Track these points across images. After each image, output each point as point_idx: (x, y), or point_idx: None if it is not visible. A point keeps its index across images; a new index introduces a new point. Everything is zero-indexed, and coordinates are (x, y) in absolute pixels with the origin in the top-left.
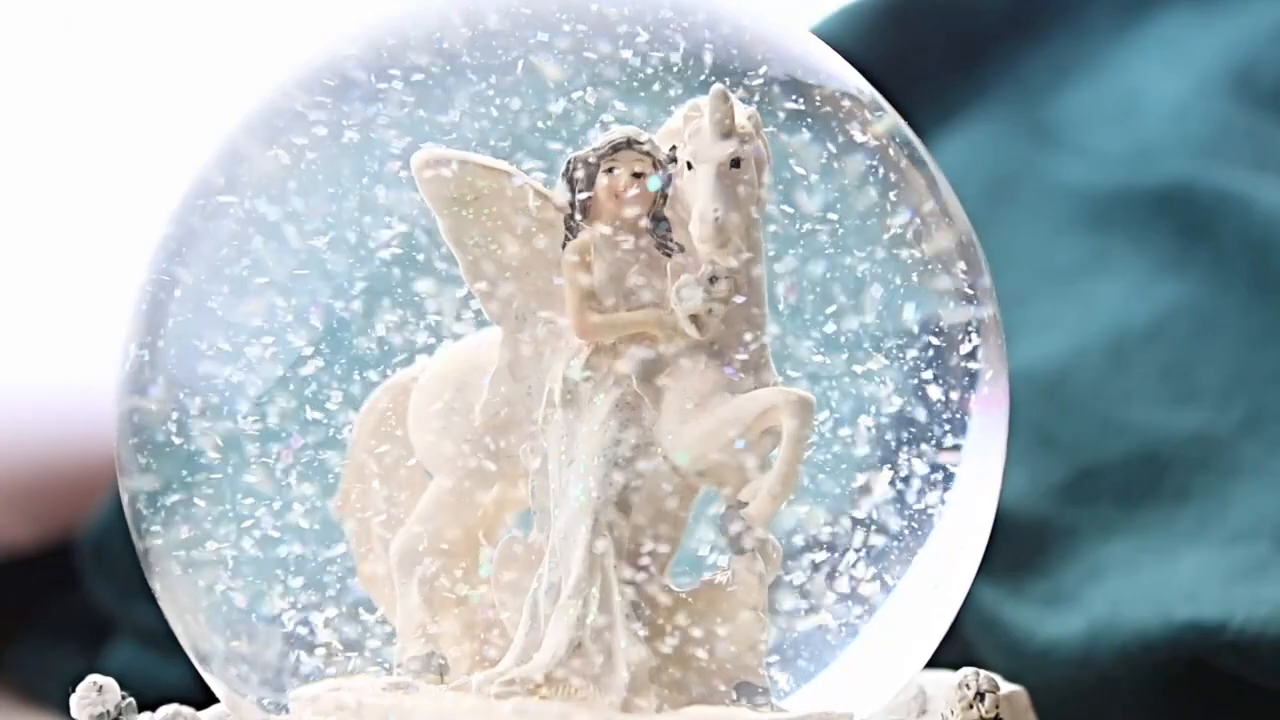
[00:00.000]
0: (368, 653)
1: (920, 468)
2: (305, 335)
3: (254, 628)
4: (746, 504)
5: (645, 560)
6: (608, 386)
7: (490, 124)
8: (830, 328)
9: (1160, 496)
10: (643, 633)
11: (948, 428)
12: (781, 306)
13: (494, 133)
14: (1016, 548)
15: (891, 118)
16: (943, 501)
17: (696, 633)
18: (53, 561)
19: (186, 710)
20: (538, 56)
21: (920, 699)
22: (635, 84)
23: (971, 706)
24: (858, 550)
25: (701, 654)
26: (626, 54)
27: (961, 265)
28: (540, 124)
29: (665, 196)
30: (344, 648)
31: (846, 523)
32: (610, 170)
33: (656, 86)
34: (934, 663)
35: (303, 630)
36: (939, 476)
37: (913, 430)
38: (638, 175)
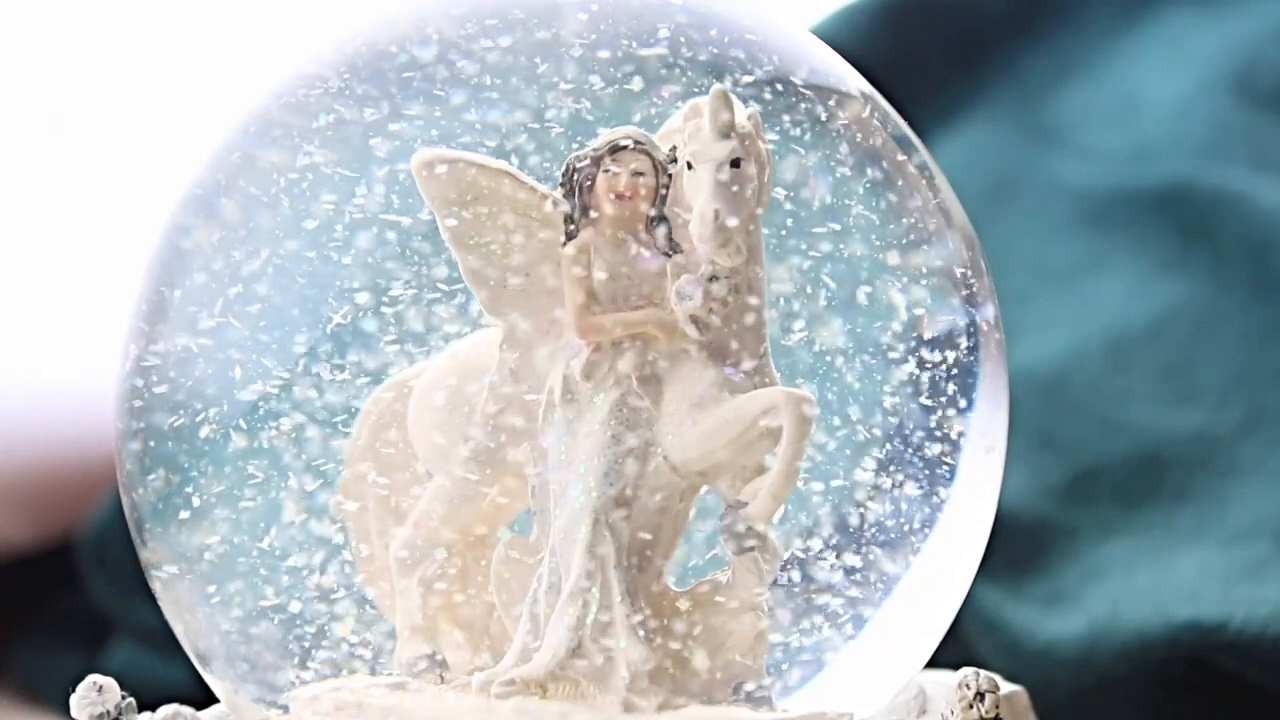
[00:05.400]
0: (368, 653)
1: (920, 468)
2: (307, 336)
3: (254, 628)
4: (747, 504)
5: (645, 560)
6: (608, 386)
7: (491, 123)
8: (830, 327)
9: (1160, 496)
10: (643, 633)
11: (947, 428)
12: (781, 306)
13: (495, 132)
14: (1016, 548)
15: (891, 118)
16: (943, 501)
17: (697, 633)
18: (53, 561)
19: (186, 710)
20: (538, 56)
21: (920, 699)
22: (633, 83)
23: (971, 706)
24: (858, 549)
25: (702, 654)
26: (625, 54)
27: (962, 265)
28: (540, 124)
29: (665, 196)
30: (344, 647)
31: (846, 522)
32: (610, 170)
33: (656, 86)
34: (934, 663)
35: (303, 630)
36: (939, 476)
37: (912, 430)
38: (638, 175)
